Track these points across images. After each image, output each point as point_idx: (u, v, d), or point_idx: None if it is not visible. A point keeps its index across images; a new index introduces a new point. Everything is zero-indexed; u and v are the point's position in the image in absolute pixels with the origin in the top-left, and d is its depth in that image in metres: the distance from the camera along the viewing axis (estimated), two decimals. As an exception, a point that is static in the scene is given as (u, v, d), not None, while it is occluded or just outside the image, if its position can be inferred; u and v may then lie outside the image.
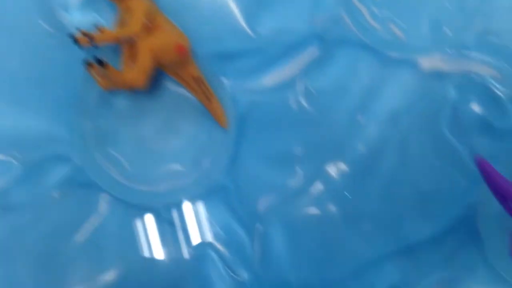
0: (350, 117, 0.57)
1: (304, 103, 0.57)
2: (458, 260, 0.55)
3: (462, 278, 0.55)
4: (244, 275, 0.55)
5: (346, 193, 0.56)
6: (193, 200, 0.56)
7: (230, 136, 0.56)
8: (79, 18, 0.54)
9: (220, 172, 0.56)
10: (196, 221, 0.56)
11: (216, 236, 0.56)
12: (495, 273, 0.53)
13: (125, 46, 0.52)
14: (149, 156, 0.55)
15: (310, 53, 0.57)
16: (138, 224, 0.55)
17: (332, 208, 0.56)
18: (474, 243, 0.55)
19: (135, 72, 0.50)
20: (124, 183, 0.55)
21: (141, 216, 0.55)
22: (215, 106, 0.54)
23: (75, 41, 0.49)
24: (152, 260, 0.55)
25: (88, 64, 0.52)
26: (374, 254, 0.55)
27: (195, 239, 0.56)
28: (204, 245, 0.56)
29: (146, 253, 0.55)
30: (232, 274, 0.55)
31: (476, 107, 0.56)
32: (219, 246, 0.55)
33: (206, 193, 0.56)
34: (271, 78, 0.57)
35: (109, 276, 0.55)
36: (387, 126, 0.56)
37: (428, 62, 0.56)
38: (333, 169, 0.56)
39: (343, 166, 0.56)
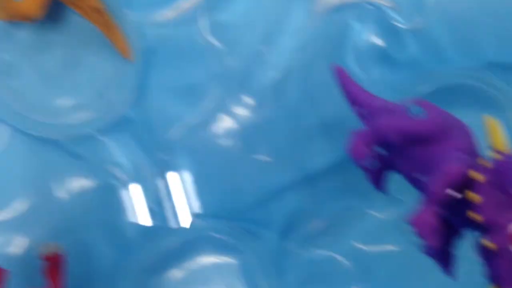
0: (255, 49, 0.57)
1: (209, 35, 0.57)
2: (355, 189, 0.56)
3: (360, 206, 0.56)
4: (151, 205, 0.56)
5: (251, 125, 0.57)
6: (99, 132, 0.56)
7: (135, 68, 0.56)
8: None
9: (127, 105, 0.56)
10: (102, 154, 0.56)
11: (123, 168, 0.56)
12: (390, 197, 0.55)
13: (20, -24, 0.51)
14: (52, 88, 0.56)
15: (214, -16, 0.57)
16: (44, 157, 0.56)
17: (238, 139, 0.57)
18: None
19: (29, 0, 0.50)
20: (28, 115, 0.55)
21: (46, 149, 0.56)
22: (118, 37, 0.55)
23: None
24: (59, 192, 0.56)
25: (-18, -5, 0.51)
26: (276, 183, 0.56)
27: (101, 171, 0.56)
28: (111, 176, 0.56)
29: (53, 186, 0.56)
30: (138, 204, 0.56)
31: (375, 38, 0.57)
32: (125, 177, 0.56)
33: (113, 126, 0.57)
34: (176, 11, 0.57)
35: (18, 207, 0.55)
36: (291, 58, 0.57)
37: (330, -7, 0.56)
38: (239, 101, 0.57)
39: (248, 98, 0.57)
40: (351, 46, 0.57)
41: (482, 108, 0.55)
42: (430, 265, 0.47)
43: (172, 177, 0.57)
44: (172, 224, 0.56)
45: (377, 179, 0.48)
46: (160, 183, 0.57)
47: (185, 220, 0.56)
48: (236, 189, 0.56)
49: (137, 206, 0.56)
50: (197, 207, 0.56)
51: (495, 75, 0.56)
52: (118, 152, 0.56)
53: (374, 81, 0.56)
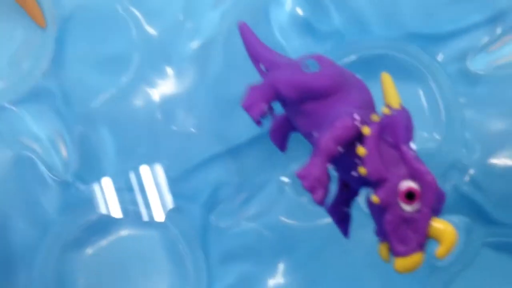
0: (175, 18, 0.56)
1: (129, 3, 0.56)
2: (279, 160, 0.56)
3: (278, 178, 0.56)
4: (68, 177, 0.54)
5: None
6: (13, 104, 0.54)
7: (50, 36, 0.54)
8: None
9: (43, 75, 0.54)
10: (17, 126, 0.54)
11: (39, 140, 0.54)
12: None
13: None
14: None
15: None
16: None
17: (158, 110, 0.55)
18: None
19: None
20: None
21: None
22: (29, 3, 0.52)
23: None
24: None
25: None
26: (200, 156, 0.55)
27: (16, 144, 0.54)
28: (26, 149, 0.54)
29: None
30: (55, 178, 0.54)
31: (298, 9, 0.56)
32: (41, 150, 0.54)
33: (29, 97, 0.54)
34: (93, -23, 0.55)
35: None
36: (213, 27, 0.56)
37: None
38: (161, 72, 0.56)
39: (170, 69, 0.56)
40: (274, 16, 0.56)
41: (404, 78, 0.56)
42: (352, 239, 0.48)
43: (93, 150, 0.54)
44: (94, 198, 0.54)
45: (277, 138, 0.48)
46: (79, 156, 0.54)
47: (107, 193, 0.54)
48: (159, 161, 0.55)
49: (54, 179, 0.54)
50: (119, 180, 0.55)
51: (416, 45, 0.56)
52: (34, 124, 0.54)
53: (297, 51, 0.56)
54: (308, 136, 0.43)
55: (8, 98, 0.53)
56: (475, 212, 0.54)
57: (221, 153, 0.55)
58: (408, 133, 0.38)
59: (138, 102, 0.55)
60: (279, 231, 0.55)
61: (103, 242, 0.54)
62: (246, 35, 0.49)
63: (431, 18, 0.57)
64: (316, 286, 0.54)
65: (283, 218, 0.55)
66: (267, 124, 0.53)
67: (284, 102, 0.45)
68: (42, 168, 0.54)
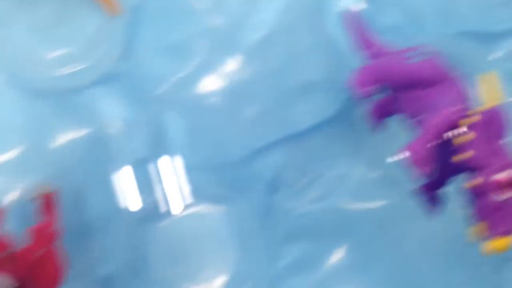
0: (239, 9, 0.58)
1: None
2: (339, 148, 0.58)
3: (343, 164, 0.58)
4: (139, 157, 0.57)
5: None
6: (88, 86, 0.56)
7: (123, 24, 0.56)
8: None
9: (115, 60, 0.57)
10: (92, 106, 0.57)
11: (111, 121, 0.57)
12: (372, 157, 0.58)
13: None
14: (43, 40, 0.56)
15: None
16: (34, 107, 0.56)
17: (225, 95, 0.58)
18: (352, 132, 0.58)
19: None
20: (19, 67, 0.55)
21: (37, 99, 0.56)
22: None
23: None
24: (50, 142, 0.56)
25: None
26: (263, 140, 0.58)
27: (91, 123, 0.56)
28: (100, 128, 0.56)
29: (45, 136, 0.56)
30: (126, 158, 0.56)
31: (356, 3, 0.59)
32: (113, 131, 0.57)
33: (103, 80, 0.57)
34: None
35: (10, 155, 0.55)
36: (275, 19, 0.58)
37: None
38: (227, 58, 0.58)
39: (236, 55, 0.58)
40: (333, 10, 0.59)
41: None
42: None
43: (163, 131, 0.57)
44: (161, 178, 0.56)
45: (376, 118, 0.52)
46: (150, 138, 0.57)
47: (174, 173, 0.57)
48: (225, 144, 0.57)
49: (127, 159, 0.56)
50: (189, 159, 0.57)
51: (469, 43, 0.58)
52: (107, 106, 0.57)
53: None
54: (412, 118, 0.48)
55: (85, 80, 0.56)
56: None
57: (285, 138, 0.58)
58: (505, 129, 0.44)
59: (205, 87, 0.58)
60: (340, 214, 0.57)
61: (175, 218, 0.56)
62: (357, 23, 0.53)
63: (485, 17, 0.59)
64: (371, 270, 0.56)
65: (345, 202, 0.57)
66: (329, 111, 0.56)
67: (391, 86, 0.49)
68: (115, 146, 0.56)
